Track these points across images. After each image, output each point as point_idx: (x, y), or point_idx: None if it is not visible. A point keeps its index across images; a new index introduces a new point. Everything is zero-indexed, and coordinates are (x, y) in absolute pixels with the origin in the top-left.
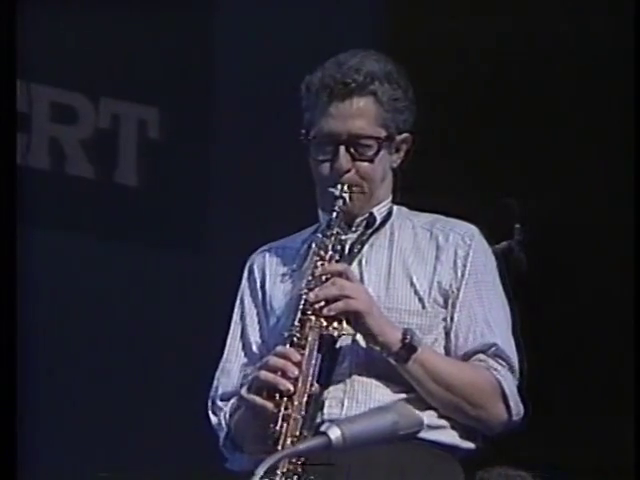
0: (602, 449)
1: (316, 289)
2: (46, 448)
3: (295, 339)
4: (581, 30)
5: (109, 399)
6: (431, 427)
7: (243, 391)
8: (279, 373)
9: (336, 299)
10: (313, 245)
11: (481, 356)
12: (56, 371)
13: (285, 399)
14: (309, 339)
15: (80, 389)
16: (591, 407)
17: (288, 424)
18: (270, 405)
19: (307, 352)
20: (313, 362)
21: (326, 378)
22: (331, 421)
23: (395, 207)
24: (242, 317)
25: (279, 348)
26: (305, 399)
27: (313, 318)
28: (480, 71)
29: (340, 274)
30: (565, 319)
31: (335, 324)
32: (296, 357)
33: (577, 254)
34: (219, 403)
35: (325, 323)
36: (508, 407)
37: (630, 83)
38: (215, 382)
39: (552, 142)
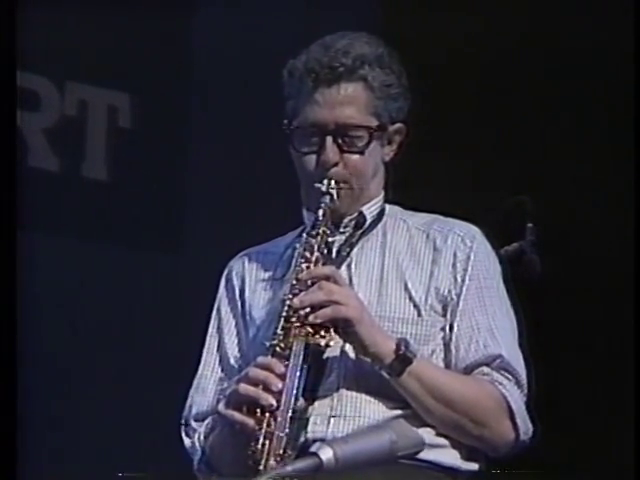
0: (602, 449)
1: (301, 294)
2: (46, 449)
3: (278, 349)
4: (581, 29)
5: (106, 399)
6: (429, 446)
7: (220, 406)
8: (260, 386)
9: (323, 305)
10: (297, 246)
11: (485, 369)
12: (55, 372)
13: (267, 415)
14: (293, 349)
15: (79, 390)
16: (591, 408)
17: (271, 442)
18: (251, 422)
19: (291, 363)
20: (298, 374)
21: (312, 392)
22: (322, 440)
23: (388, 206)
24: (219, 329)
25: (260, 359)
26: (289, 415)
27: (298, 326)
28: (482, 66)
29: (327, 278)
30: (578, 326)
31: (322, 332)
32: (279, 369)
33: (593, 256)
34: (193, 424)
35: (311, 331)
36: (515, 425)
37: (630, 83)
38: (189, 400)
39: (562, 141)
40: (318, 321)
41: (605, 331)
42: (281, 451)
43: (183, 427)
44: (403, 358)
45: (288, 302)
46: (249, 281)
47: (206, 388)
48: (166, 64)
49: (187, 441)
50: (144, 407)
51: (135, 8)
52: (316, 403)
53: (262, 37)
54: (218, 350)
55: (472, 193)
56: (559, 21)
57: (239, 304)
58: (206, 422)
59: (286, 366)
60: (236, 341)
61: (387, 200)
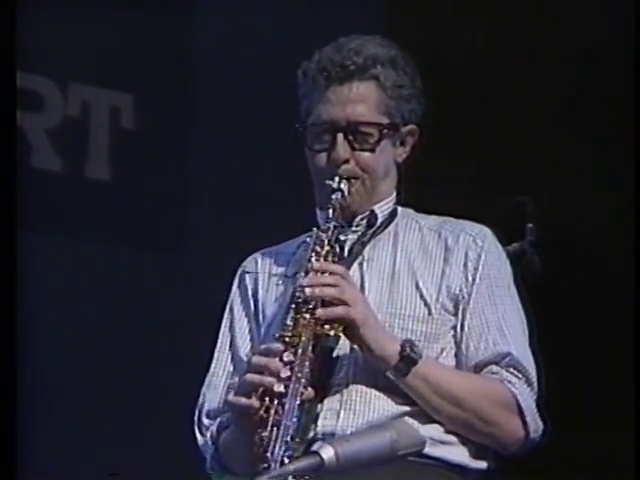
0: (602, 448)
1: (314, 287)
2: (46, 448)
3: (287, 339)
4: (582, 29)
5: (107, 400)
6: (437, 442)
7: (229, 396)
8: (267, 373)
9: (333, 302)
10: (308, 239)
11: (494, 367)
12: (56, 373)
13: (275, 403)
14: (302, 338)
15: (81, 390)
16: (591, 408)
17: (278, 430)
18: (256, 403)
19: (300, 352)
20: (307, 363)
21: (322, 388)
22: (331, 435)
23: (400, 208)
24: (231, 327)
25: (262, 346)
26: (297, 403)
27: (307, 316)
28: (483, 67)
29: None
30: (577, 327)
31: (331, 323)
32: (278, 349)
33: (593, 256)
34: (205, 421)
35: (320, 322)
36: (525, 423)
37: (630, 83)
38: (201, 398)
39: (563, 142)
40: (325, 317)
41: (604, 331)
42: (288, 438)
43: (196, 423)
44: (408, 359)
45: (297, 294)
46: (262, 280)
47: (218, 385)
48: (168, 64)
49: (200, 438)
50: (146, 407)
51: (136, 8)
52: (326, 398)
53: (263, 37)
54: (230, 348)
55: (472, 194)
56: (560, 22)
57: (252, 303)
58: (219, 420)
59: (294, 354)
60: (248, 339)
61: (400, 203)
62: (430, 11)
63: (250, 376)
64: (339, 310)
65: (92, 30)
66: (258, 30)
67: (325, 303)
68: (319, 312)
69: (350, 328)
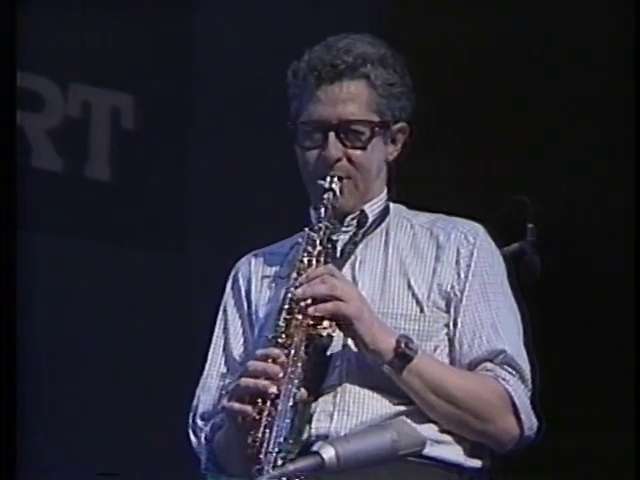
0: (602, 448)
1: (304, 285)
2: (46, 449)
3: (279, 340)
4: (582, 29)
5: (106, 399)
6: (433, 441)
7: (223, 401)
8: (262, 378)
9: (324, 299)
10: (300, 239)
11: (488, 365)
12: (55, 373)
13: (268, 404)
14: (295, 339)
15: (80, 390)
16: (591, 407)
17: (271, 431)
18: (249, 408)
19: (292, 353)
20: (299, 364)
21: (315, 389)
22: (325, 436)
23: (392, 205)
24: (225, 329)
25: (259, 351)
26: (290, 405)
27: (300, 317)
28: (483, 67)
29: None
30: (580, 324)
31: (323, 324)
32: (278, 355)
33: (593, 256)
34: (200, 423)
35: (312, 323)
36: (519, 420)
37: (630, 83)
38: (195, 400)
39: (563, 141)
40: (318, 314)
41: (605, 331)
42: (281, 439)
43: (190, 425)
44: (402, 355)
45: (290, 295)
46: (255, 281)
47: (212, 387)
48: (168, 65)
49: (194, 440)
50: (145, 407)
51: (136, 8)
52: (319, 399)
53: (263, 37)
54: (224, 350)
55: (473, 193)
56: (559, 22)
57: (245, 304)
58: (212, 421)
59: (287, 355)
60: (242, 340)
61: (392, 200)
62: (430, 10)
63: (245, 380)
64: (329, 306)
65: (92, 30)
66: (258, 30)
67: (317, 302)
68: (310, 309)
69: (344, 324)
